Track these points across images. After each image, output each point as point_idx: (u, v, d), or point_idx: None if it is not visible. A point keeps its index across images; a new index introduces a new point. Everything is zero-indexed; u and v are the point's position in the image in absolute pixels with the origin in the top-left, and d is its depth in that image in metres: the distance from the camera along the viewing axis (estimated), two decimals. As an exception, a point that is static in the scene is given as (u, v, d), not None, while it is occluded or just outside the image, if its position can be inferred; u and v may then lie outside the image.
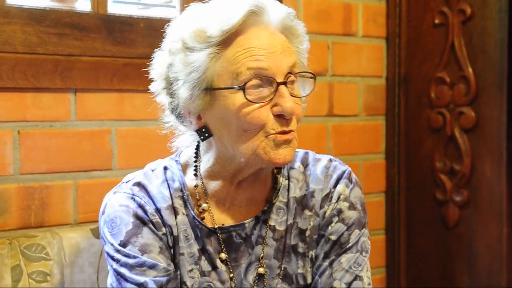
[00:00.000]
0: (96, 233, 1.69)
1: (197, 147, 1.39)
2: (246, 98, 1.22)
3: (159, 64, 1.33)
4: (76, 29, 1.84)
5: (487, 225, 2.29)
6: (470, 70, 2.30)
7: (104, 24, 1.89)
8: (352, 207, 1.38)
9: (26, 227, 1.75)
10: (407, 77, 2.49)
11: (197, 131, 1.32)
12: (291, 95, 1.25)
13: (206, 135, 1.31)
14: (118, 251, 1.30)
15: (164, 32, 1.33)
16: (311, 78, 1.31)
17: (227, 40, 1.23)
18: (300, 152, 1.44)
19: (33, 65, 1.74)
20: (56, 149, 1.79)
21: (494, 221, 2.26)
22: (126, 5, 2.23)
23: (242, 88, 1.22)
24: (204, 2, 1.32)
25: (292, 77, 1.27)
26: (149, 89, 1.36)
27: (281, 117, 1.25)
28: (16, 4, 1.76)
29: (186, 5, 1.34)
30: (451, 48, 2.34)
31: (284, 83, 1.24)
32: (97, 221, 1.32)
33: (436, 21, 2.39)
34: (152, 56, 1.35)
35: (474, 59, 2.29)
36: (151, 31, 1.95)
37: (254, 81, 1.23)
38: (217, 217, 1.37)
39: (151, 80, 1.35)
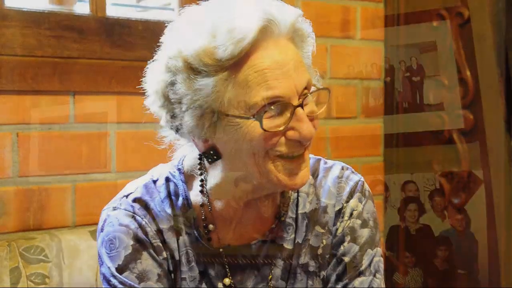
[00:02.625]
0: (94, 235, 1.69)
1: (201, 157, 1.25)
2: (263, 129, 1.12)
3: (155, 80, 1.19)
4: (75, 31, 1.85)
5: (485, 228, 2.29)
6: (468, 73, 2.30)
7: (102, 27, 1.89)
8: (364, 224, 1.30)
9: (25, 229, 1.75)
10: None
11: (203, 153, 1.21)
12: (308, 115, 1.16)
13: (215, 157, 1.20)
14: (114, 276, 1.23)
15: (162, 35, 1.26)
16: (324, 90, 1.24)
17: (237, 61, 1.12)
18: (311, 160, 1.32)
19: (32, 68, 1.74)
20: (54, 151, 1.79)
21: (492, 224, 2.26)
22: (125, 7, 2.23)
23: (259, 120, 1.12)
24: (200, 4, 1.18)
25: (307, 95, 1.18)
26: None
27: (296, 142, 1.16)
28: (15, 7, 1.76)
29: (183, 7, 1.27)
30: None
31: (301, 105, 1.15)
32: (95, 224, 1.31)
33: (434, 24, 2.39)
34: (151, 59, 1.29)
35: (472, 62, 2.30)
36: (150, 34, 1.95)
37: (270, 109, 1.13)
38: (223, 237, 1.28)
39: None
